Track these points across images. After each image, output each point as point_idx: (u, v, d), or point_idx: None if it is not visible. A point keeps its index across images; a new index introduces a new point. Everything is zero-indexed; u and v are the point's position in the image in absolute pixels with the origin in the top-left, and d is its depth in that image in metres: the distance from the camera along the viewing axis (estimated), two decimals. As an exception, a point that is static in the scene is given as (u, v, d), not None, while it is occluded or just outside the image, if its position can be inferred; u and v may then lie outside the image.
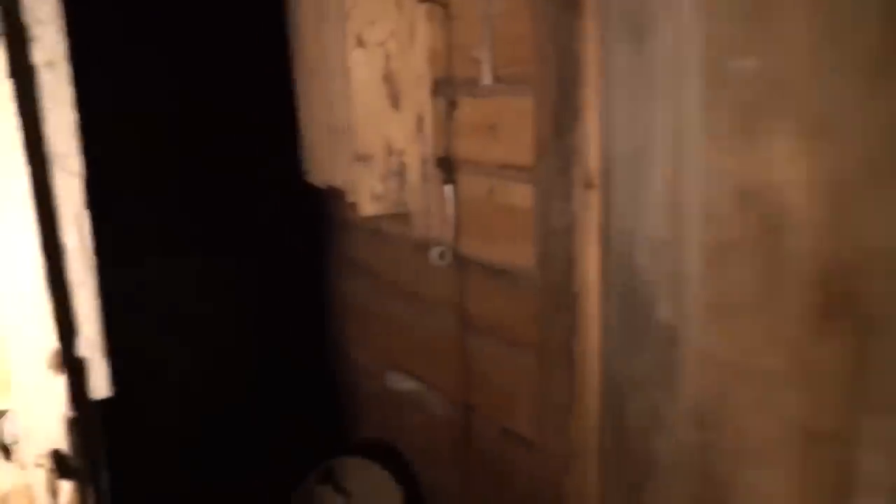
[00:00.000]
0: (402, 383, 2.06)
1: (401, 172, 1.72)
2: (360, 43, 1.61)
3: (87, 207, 0.97)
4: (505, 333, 1.61)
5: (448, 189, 1.67)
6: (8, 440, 0.93)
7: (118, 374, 1.03)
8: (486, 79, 1.51)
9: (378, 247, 2.09)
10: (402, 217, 1.82)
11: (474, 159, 1.61)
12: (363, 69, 1.63)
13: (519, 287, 1.54)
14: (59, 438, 0.94)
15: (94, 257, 0.99)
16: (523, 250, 1.47)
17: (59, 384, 0.93)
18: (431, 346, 1.90)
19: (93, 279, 0.99)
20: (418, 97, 1.70)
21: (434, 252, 1.71)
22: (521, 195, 1.46)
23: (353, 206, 1.73)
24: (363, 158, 1.66)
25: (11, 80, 0.87)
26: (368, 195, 1.68)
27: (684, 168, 1.05)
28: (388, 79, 1.66)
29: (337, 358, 2.56)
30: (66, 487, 0.96)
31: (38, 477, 0.94)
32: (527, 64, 1.35)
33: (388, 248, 2.03)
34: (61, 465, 0.95)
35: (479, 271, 1.66)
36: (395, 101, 1.68)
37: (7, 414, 0.93)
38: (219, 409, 2.47)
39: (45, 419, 0.93)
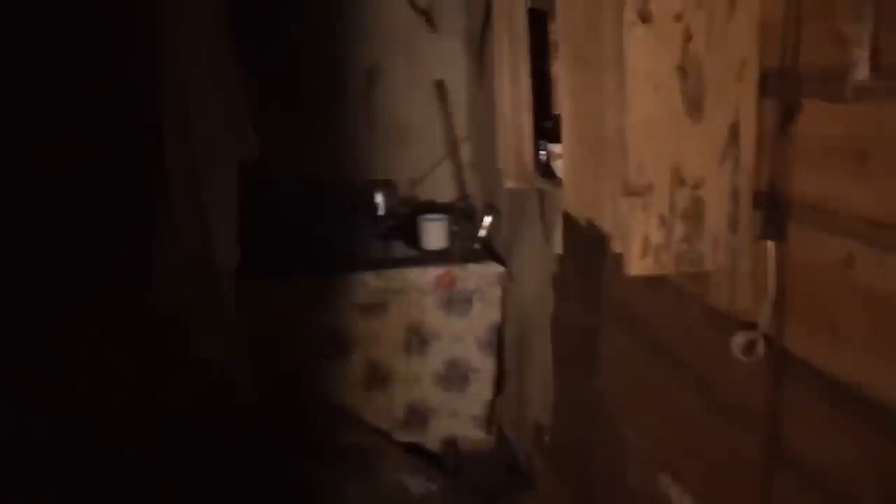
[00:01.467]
0: (676, 497, 1.47)
1: (694, 213, 1.13)
2: (645, 16, 1.06)
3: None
4: (840, 488, 0.96)
5: (771, 246, 1.05)
6: None
7: None
8: (861, 71, 0.87)
9: (661, 304, 1.51)
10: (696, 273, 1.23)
11: (823, 203, 0.97)
12: (646, 56, 1.07)
13: (885, 429, 0.88)
14: None
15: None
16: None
17: None
18: (720, 462, 1.29)
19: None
20: (734, 99, 1.09)
21: (739, 339, 1.11)
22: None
23: (619, 257, 1.19)
24: (636, 191, 1.11)
25: None
26: (640, 245, 1.12)
27: None
28: (686, 70, 1.08)
29: (603, 419, 2.03)
30: None
31: None
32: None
33: (675, 308, 1.45)
34: None
35: (811, 384, 1.02)
36: (693, 104, 1.09)
37: None
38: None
39: None
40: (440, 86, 3.07)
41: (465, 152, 3.12)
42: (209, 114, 1.91)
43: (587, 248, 1.95)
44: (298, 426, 2.58)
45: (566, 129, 1.39)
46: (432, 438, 2.78)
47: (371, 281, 2.56)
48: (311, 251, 2.70)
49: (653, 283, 1.51)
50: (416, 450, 2.73)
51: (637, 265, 1.13)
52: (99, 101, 2.12)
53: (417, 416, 2.72)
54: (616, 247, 1.19)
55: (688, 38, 1.08)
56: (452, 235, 2.79)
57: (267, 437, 2.46)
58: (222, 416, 2.17)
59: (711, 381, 1.31)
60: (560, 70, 1.41)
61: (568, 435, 2.27)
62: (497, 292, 2.68)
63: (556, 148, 1.55)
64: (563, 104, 1.38)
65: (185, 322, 2.02)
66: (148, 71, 1.97)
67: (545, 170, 1.66)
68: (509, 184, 1.90)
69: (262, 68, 2.50)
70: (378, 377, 2.66)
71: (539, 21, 1.68)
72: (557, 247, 2.18)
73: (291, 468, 2.49)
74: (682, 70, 1.08)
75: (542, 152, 1.69)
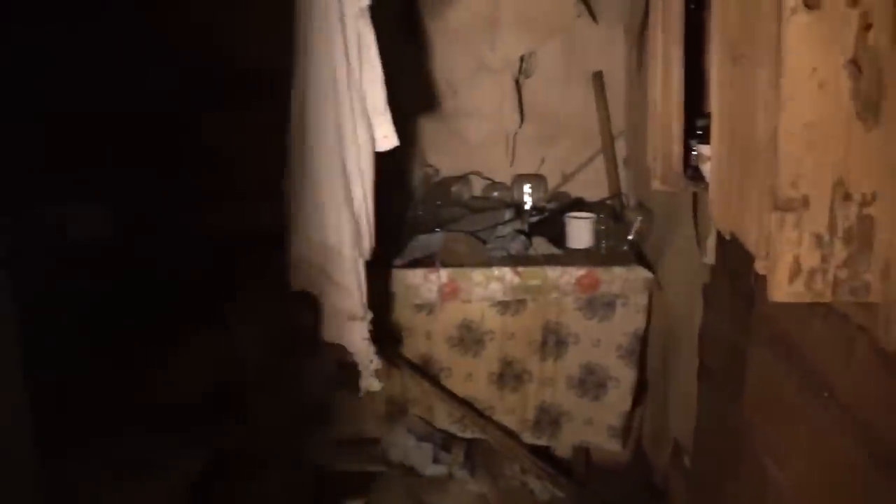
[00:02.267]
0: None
1: (861, 235, 0.96)
2: (811, 1, 0.90)
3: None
4: None
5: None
6: None
7: None
8: None
9: (820, 332, 1.32)
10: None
11: None
12: (810, 49, 0.92)
13: None
14: None
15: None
16: None
17: None
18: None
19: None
20: (920, 100, 0.91)
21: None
22: None
23: (762, 280, 1.04)
24: (788, 205, 0.96)
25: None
26: (788, 268, 0.97)
27: None
28: (860, 66, 0.91)
29: (746, 449, 1.83)
30: None
31: None
32: None
33: (836, 339, 1.25)
34: None
35: None
36: (868, 106, 0.92)
37: None
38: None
39: None
40: (598, 77, 2.94)
41: (620, 148, 2.96)
42: (351, 103, 1.93)
43: (741, 259, 1.76)
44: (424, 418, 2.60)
45: (715, 130, 1.24)
46: (563, 444, 2.68)
47: (510, 277, 2.49)
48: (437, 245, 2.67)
49: (812, 307, 1.33)
50: (544, 454, 2.65)
51: (783, 290, 0.98)
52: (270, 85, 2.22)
53: (549, 419, 2.63)
54: (761, 267, 1.04)
55: (866, 26, 0.91)
56: (599, 235, 2.66)
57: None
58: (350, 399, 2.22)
59: (880, 431, 1.12)
60: (712, 64, 1.26)
61: (709, 459, 2.09)
62: (643, 299, 2.51)
63: (705, 149, 1.40)
64: (714, 102, 1.24)
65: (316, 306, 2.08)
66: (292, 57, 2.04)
67: (694, 172, 1.52)
68: (656, 185, 1.76)
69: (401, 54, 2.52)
70: (511, 375, 2.60)
71: (698, 10, 1.52)
72: (710, 256, 2.00)
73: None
74: (856, 65, 0.92)
75: (692, 153, 1.54)
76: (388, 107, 2.02)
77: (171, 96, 2.69)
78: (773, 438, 1.58)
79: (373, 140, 2.02)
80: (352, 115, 1.96)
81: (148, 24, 2.67)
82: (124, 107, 2.63)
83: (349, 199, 2.00)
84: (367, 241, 2.06)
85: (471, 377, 2.61)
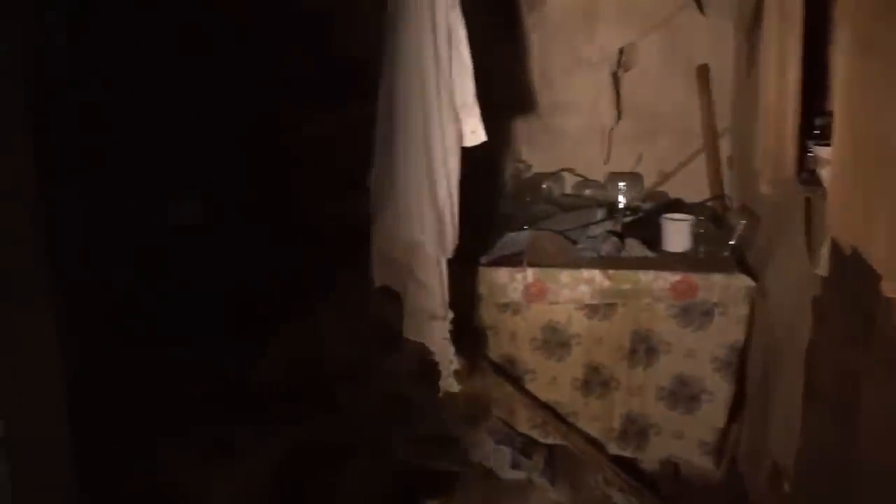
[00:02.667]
0: None
1: None
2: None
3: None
4: None
5: None
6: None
7: None
8: None
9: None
10: None
11: None
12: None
13: None
14: None
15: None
16: None
17: None
18: None
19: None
20: None
21: None
22: None
23: (888, 301, 0.91)
24: (927, 219, 0.83)
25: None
26: (924, 292, 0.85)
27: None
28: None
29: (857, 484, 1.67)
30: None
31: None
32: None
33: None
34: None
35: None
36: None
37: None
38: None
39: None
40: (703, 71, 2.77)
41: (724, 147, 2.79)
42: (439, 96, 1.88)
43: (861, 274, 1.60)
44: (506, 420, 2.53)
45: (838, 131, 1.11)
46: (650, 457, 2.54)
47: (599, 279, 2.39)
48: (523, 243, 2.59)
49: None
50: (629, 466, 2.53)
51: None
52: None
53: (635, 430, 2.50)
54: (889, 289, 0.91)
55: None
56: (697, 239, 2.50)
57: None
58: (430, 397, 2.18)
59: None
60: (838, 57, 1.13)
61: (813, 486, 1.92)
62: (743, 309, 2.35)
63: (824, 152, 1.26)
64: (837, 99, 1.10)
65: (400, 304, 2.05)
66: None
67: (809, 176, 1.37)
68: (764, 188, 1.62)
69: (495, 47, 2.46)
70: (597, 382, 2.50)
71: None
72: (823, 267, 1.83)
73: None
74: None
75: (808, 154, 1.40)
76: (476, 101, 1.96)
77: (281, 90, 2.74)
78: (889, 472, 1.42)
79: (460, 135, 1.97)
80: (439, 109, 1.91)
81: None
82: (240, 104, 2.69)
83: (433, 196, 1.95)
84: (451, 239, 2.01)
85: (555, 381, 2.52)
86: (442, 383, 2.06)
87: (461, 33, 1.88)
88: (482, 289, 2.47)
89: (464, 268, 2.25)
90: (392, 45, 1.96)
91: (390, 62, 1.98)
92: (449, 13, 1.81)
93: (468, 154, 1.97)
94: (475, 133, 1.99)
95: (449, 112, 1.93)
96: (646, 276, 2.38)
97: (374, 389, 2.46)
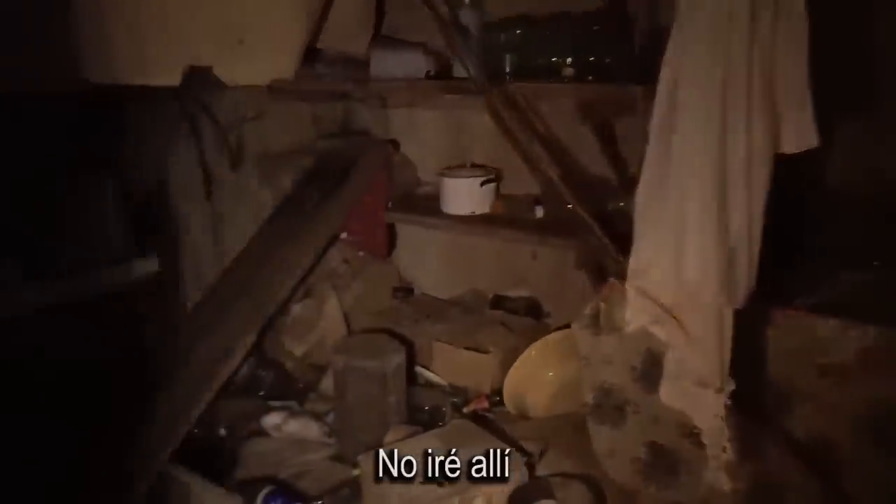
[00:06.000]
0: None
1: None
2: None
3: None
4: None
5: None
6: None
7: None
8: None
9: None
10: None
11: None
12: None
13: None
14: None
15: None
16: None
17: None
18: None
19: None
20: None
21: None
22: None
23: None
24: None
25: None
26: None
27: None
28: None
29: None
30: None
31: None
32: None
33: None
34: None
35: None
36: None
37: None
38: None
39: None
40: None
41: None
42: (749, 87, 1.32)
43: None
44: None
45: None
46: None
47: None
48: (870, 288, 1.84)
49: None
50: None
51: None
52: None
53: None
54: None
55: None
56: None
57: None
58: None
59: None
60: None
61: None
62: None
63: None
64: None
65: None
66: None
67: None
68: None
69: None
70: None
71: None
72: None
73: None
74: None
75: None
76: (809, 93, 1.35)
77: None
78: None
79: (775, 137, 1.38)
80: (747, 104, 1.34)
81: None
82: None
83: (723, 224, 1.39)
84: (744, 284, 1.44)
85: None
86: (708, 474, 1.52)
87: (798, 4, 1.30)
88: (793, 342, 1.81)
89: (763, 309, 1.65)
90: (681, 16, 1.42)
91: (677, 43, 1.44)
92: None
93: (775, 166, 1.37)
94: (802, 135, 1.39)
95: (762, 109, 1.35)
96: None
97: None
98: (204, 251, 2.69)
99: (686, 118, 1.41)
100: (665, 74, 1.48)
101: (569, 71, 2.14)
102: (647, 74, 1.60)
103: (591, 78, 2.12)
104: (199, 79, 2.20)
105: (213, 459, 2.16)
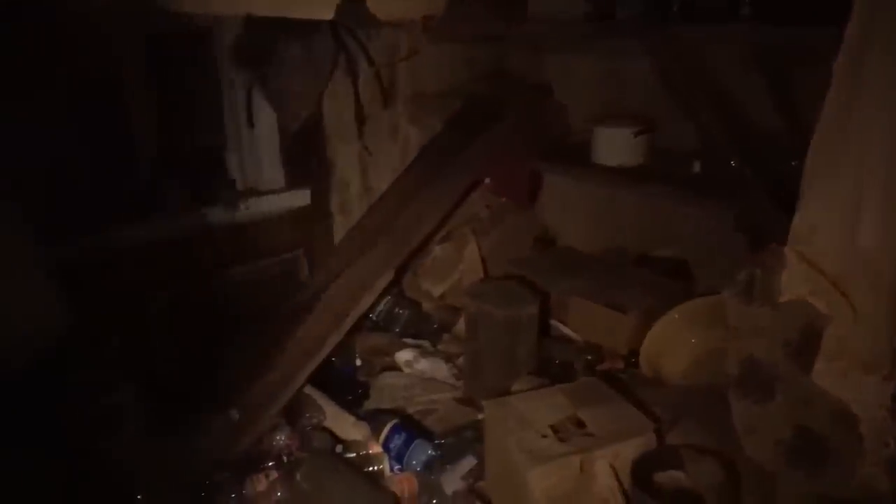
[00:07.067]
0: None
1: None
2: None
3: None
4: None
5: None
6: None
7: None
8: None
9: None
10: None
11: None
12: None
13: None
14: None
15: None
16: None
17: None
18: None
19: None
20: None
21: None
22: None
23: None
24: None
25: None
26: None
27: None
28: None
29: None
30: None
31: None
32: None
33: None
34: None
35: None
36: None
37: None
38: None
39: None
40: None
41: None
42: None
43: None
44: None
45: None
46: None
47: None
48: None
49: None
50: None
51: None
52: None
53: None
54: None
55: None
56: None
57: None
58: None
59: None
60: None
61: None
62: None
63: None
64: None
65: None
66: None
67: None
68: None
69: None
70: None
71: None
72: None
73: None
74: None
75: None
76: None
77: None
78: None
79: None
80: None
81: None
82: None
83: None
84: None
85: None
86: (863, 471, 1.36)
87: None
88: None
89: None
90: None
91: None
92: None
93: None
94: None
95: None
96: None
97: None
98: (352, 187, 2.77)
99: (876, 63, 1.21)
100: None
101: (746, 10, 1.92)
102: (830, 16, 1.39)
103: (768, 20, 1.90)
104: (353, 12, 2.21)
105: (347, 388, 2.26)
